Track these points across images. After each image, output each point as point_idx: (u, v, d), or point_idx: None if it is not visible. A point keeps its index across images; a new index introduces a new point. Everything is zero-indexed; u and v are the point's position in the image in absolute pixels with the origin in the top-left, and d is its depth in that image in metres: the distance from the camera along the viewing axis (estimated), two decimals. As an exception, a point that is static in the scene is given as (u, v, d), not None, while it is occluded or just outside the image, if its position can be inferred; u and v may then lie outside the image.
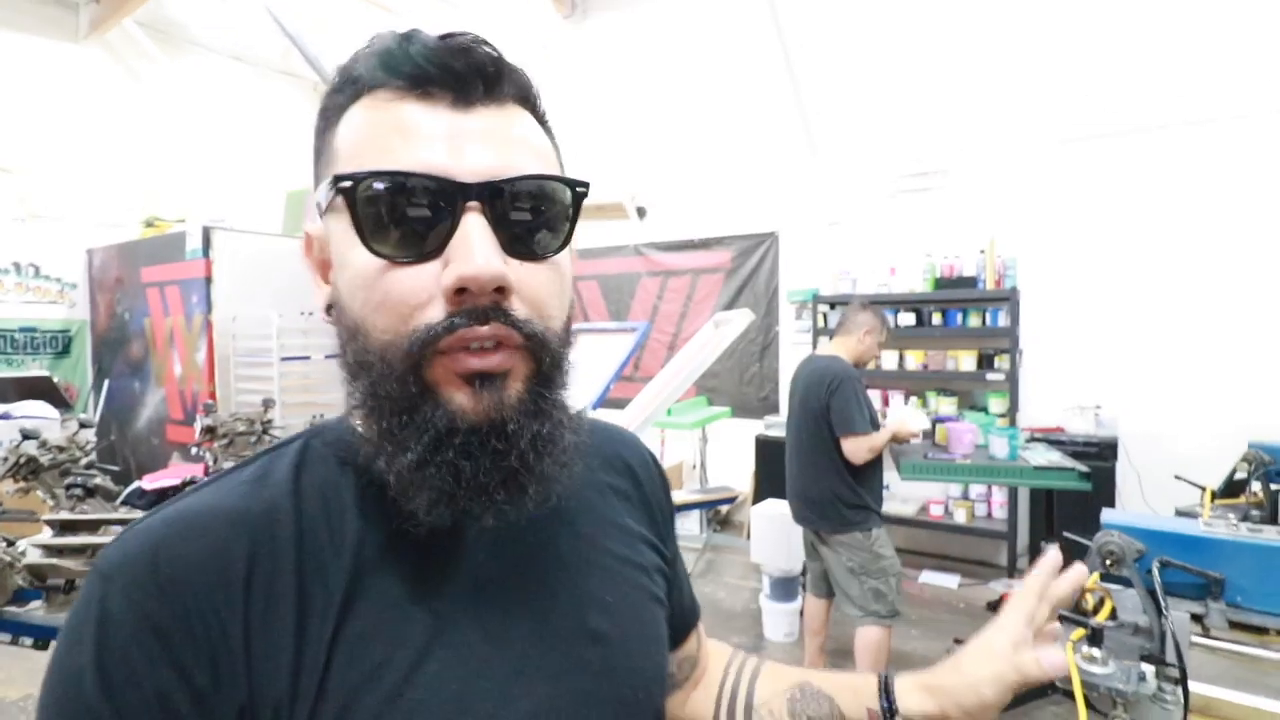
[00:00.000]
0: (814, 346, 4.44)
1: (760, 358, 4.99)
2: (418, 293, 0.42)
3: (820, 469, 2.55)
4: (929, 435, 3.26)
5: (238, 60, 6.55)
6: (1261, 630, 0.87)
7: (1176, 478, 1.80)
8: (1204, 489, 1.63)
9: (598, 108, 4.98)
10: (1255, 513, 1.39)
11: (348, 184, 0.42)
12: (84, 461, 2.18)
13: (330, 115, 0.46)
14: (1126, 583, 0.96)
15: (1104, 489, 3.57)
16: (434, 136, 0.42)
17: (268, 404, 2.73)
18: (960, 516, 4.11)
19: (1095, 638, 0.88)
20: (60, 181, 5.47)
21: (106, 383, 5.69)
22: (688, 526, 4.65)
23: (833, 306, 4.52)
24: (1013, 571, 3.98)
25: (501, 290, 0.42)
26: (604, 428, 0.67)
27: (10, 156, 5.24)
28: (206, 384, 4.86)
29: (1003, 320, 4.00)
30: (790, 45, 4.32)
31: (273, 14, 4.45)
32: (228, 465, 2.78)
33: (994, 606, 3.63)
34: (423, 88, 0.43)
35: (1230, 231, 3.50)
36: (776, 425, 4.18)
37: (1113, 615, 1.05)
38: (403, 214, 0.41)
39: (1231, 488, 1.60)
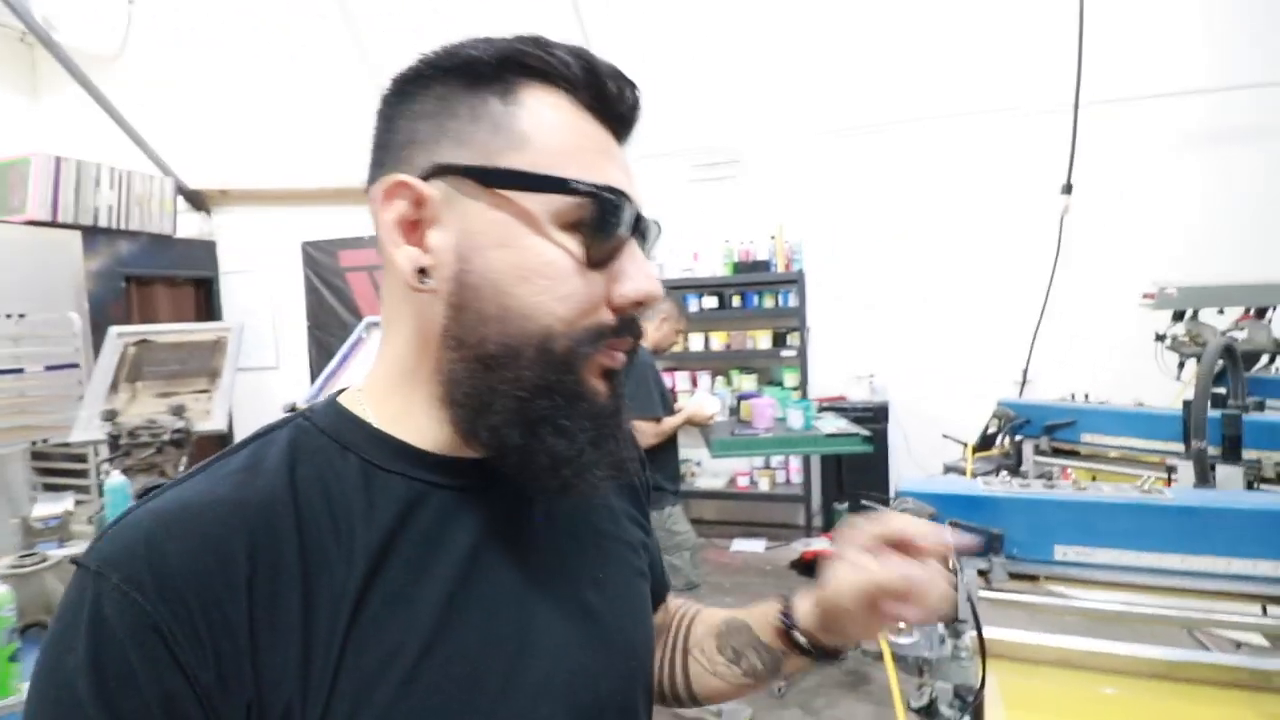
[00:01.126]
0: (625, 332, 4.48)
1: (573, 345, 4.94)
2: (596, 295, 0.47)
3: None
4: (734, 412, 3.43)
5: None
6: (1033, 578, 0.96)
7: (944, 436, 2.05)
8: (965, 445, 1.86)
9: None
10: (1010, 462, 1.61)
11: (609, 194, 0.45)
12: None
13: (505, 88, 0.46)
14: (922, 546, 1.03)
15: (879, 448, 4.03)
16: (617, 165, 0.48)
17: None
18: (764, 485, 4.41)
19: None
20: None
21: None
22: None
23: (641, 291, 4.59)
24: (809, 530, 4.37)
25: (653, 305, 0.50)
26: None
27: None
28: None
29: (793, 301, 4.34)
30: (591, 34, 4.27)
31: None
32: None
33: (795, 565, 3.95)
34: (606, 112, 0.48)
35: (980, 219, 4.08)
36: (592, 412, 4.17)
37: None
38: (612, 226, 0.46)
39: (985, 442, 1.83)
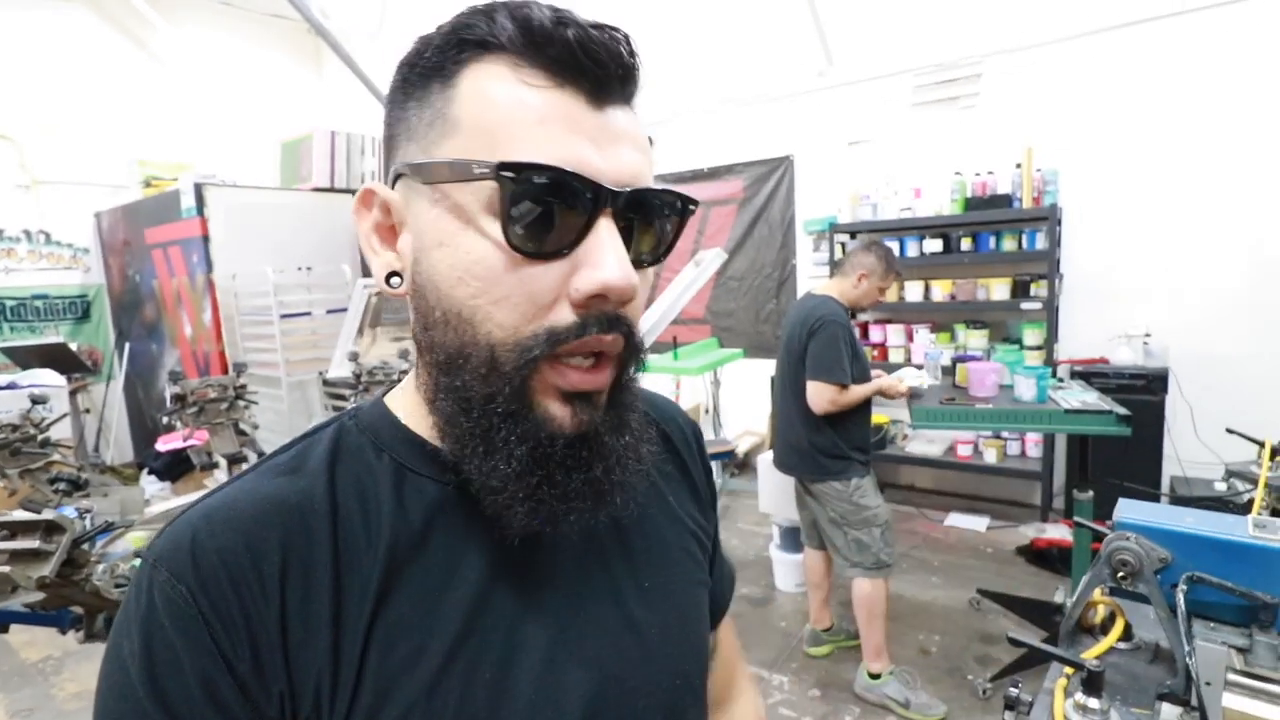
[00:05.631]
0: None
1: (776, 294, 4.69)
2: (546, 292, 0.41)
3: (797, 415, 2.39)
4: (948, 373, 2.99)
5: (226, 5, 6.26)
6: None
7: (1229, 431, 1.53)
8: (1261, 444, 1.36)
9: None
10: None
11: (510, 174, 0.39)
12: (39, 439, 2.09)
13: (444, 72, 0.42)
14: (1144, 599, 0.74)
15: (1153, 425, 3.26)
16: (580, 134, 0.41)
17: (239, 369, 2.61)
18: (990, 456, 3.84)
19: (1092, 681, 0.67)
20: (61, 145, 5.37)
21: (127, 345, 5.72)
22: (704, 472, 4.49)
23: (853, 236, 4.18)
24: (1045, 514, 3.73)
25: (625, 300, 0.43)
26: (646, 398, 0.62)
27: (8, 123, 5.13)
28: (215, 344, 4.82)
29: (1041, 242, 3.60)
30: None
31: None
32: (199, 431, 2.70)
33: (1024, 552, 3.41)
34: (565, 74, 0.41)
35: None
36: (792, 366, 3.94)
37: (1127, 634, 0.83)
38: (553, 211, 0.40)
39: (1297, 441, 1.33)
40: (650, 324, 2.91)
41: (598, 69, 0.41)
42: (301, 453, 0.48)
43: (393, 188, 0.45)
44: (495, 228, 0.40)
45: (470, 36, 0.41)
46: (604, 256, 0.41)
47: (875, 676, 2.38)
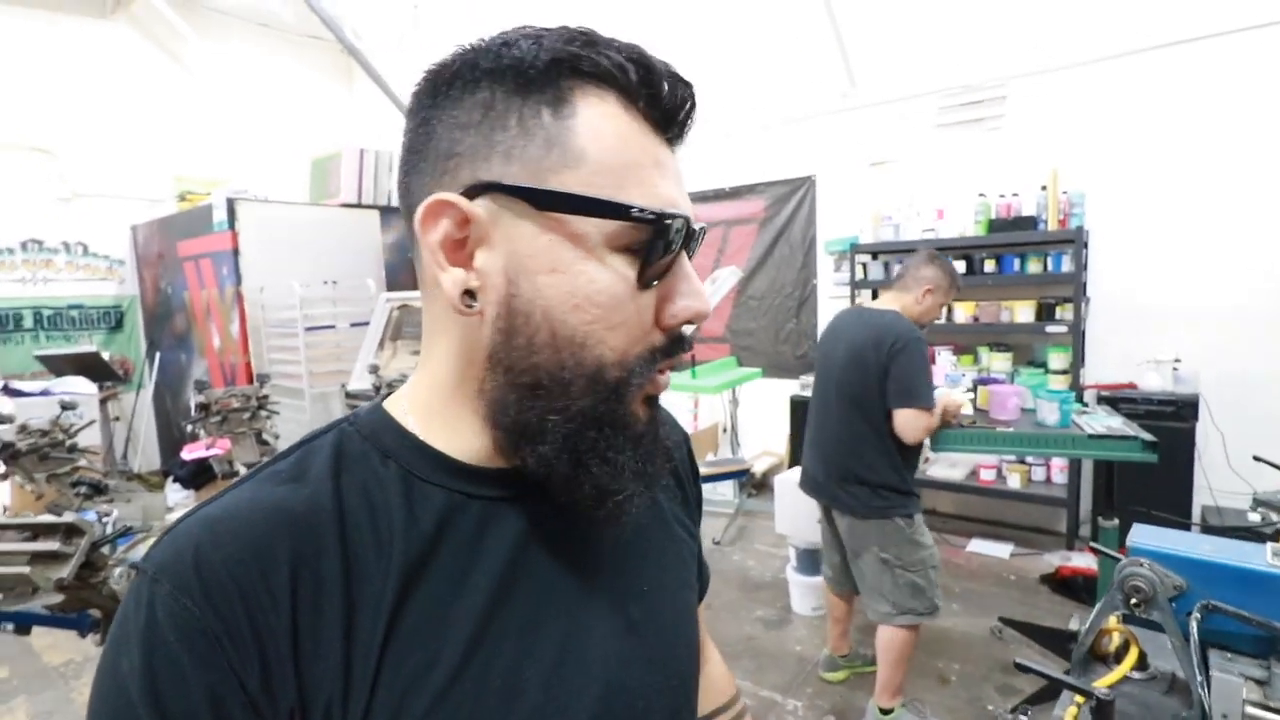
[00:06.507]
0: (852, 300, 4.10)
1: (797, 313, 4.67)
2: (648, 319, 0.45)
3: (860, 441, 2.15)
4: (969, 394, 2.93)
5: (264, 26, 6.46)
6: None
7: (1255, 458, 1.48)
8: (1290, 472, 1.32)
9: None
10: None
11: (669, 221, 0.43)
12: (67, 445, 2.14)
13: (552, 97, 0.42)
14: (1158, 627, 0.71)
15: (1183, 453, 3.18)
16: (673, 177, 0.45)
17: (262, 380, 2.65)
18: (1014, 481, 3.76)
19: (1102, 710, 0.64)
20: (100, 159, 5.55)
21: (158, 355, 5.85)
22: (720, 491, 4.46)
23: (874, 256, 4.15)
24: (1073, 542, 3.63)
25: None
26: None
27: (50, 137, 5.33)
28: (241, 355, 4.91)
29: (1067, 265, 3.55)
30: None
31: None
32: (222, 440, 2.74)
33: (1048, 580, 3.32)
34: (663, 121, 0.45)
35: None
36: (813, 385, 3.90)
37: (1141, 664, 0.80)
38: (667, 247, 0.44)
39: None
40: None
41: (681, 117, 0.46)
42: (301, 460, 0.47)
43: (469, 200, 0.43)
44: (620, 261, 0.44)
45: (584, 68, 0.42)
46: (694, 286, 0.47)
47: (887, 712, 2.26)
